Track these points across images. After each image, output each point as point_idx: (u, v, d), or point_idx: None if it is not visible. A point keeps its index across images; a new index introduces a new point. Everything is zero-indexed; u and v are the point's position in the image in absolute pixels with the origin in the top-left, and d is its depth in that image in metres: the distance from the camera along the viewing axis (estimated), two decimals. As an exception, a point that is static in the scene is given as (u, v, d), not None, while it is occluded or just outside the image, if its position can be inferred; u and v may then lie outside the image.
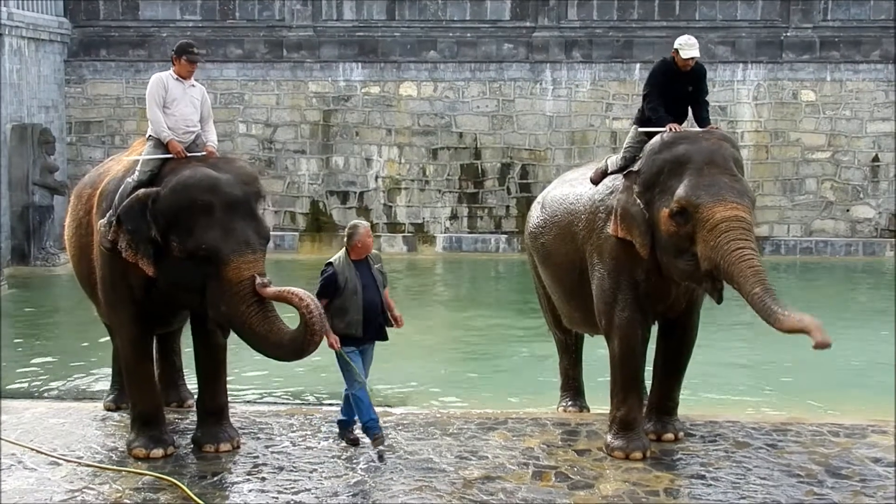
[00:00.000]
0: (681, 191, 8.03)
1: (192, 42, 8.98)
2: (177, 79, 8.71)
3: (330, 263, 8.43)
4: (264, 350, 8.04)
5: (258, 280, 7.86)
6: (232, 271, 7.89)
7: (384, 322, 8.49)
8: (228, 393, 8.97)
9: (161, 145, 8.48)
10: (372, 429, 8.39)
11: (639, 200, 8.32)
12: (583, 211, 8.94)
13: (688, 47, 8.76)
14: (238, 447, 8.54)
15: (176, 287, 8.11)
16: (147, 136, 8.68)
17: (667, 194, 8.15)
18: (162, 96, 8.58)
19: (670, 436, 8.73)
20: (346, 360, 8.28)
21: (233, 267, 7.89)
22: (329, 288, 8.32)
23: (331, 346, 8.17)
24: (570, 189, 9.42)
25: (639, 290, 8.48)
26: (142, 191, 8.14)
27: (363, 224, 8.55)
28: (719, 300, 8.14)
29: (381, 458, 8.26)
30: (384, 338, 8.58)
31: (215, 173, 8.15)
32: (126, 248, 8.09)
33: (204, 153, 8.47)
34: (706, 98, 9.02)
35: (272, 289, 7.89)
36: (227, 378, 8.95)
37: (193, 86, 8.83)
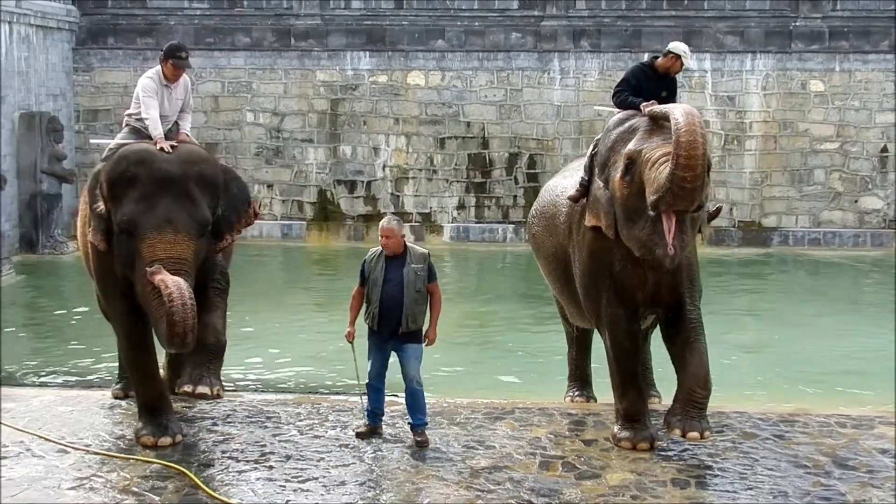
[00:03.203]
0: (627, 148, 8.02)
1: (182, 46, 8.87)
2: (164, 84, 8.71)
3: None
4: (157, 336, 7.84)
5: (150, 268, 7.57)
6: (147, 248, 7.76)
7: (409, 322, 8.29)
8: (236, 381, 8.93)
9: (136, 132, 8.59)
10: (368, 417, 8.58)
11: (600, 182, 8.32)
12: (564, 203, 8.92)
13: (688, 56, 8.79)
14: (219, 396, 8.21)
15: (121, 265, 8.06)
16: (124, 122, 8.81)
17: (618, 162, 8.11)
18: (157, 98, 8.59)
19: (695, 434, 8.00)
20: (354, 353, 8.48)
21: (148, 244, 7.76)
22: (360, 275, 8.42)
23: (346, 335, 8.45)
24: (561, 180, 9.43)
25: (618, 284, 8.36)
26: (96, 167, 8.32)
27: (386, 223, 8.34)
28: (667, 256, 7.73)
29: (358, 435, 8.51)
30: (403, 339, 8.33)
31: (152, 149, 8.15)
32: (88, 225, 8.25)
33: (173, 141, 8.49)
34: None
35: (158, 275, 7.53)
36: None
37: (179, 85, 8.82)
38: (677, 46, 8.82)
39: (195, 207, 7.96)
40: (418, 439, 8.38)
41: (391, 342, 8.37)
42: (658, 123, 8.07)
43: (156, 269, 7.55)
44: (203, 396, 8.03)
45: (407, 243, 8.37)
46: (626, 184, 7.95)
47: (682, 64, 8.76)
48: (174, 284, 7.41)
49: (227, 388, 10.45)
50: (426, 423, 8.48)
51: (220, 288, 8.43)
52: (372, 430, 8.54)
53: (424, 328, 8.45)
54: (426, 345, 8.46)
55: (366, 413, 8.61)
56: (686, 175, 7.37)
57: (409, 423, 8.49)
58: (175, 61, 8.67)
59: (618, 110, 8.66)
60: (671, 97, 8.82)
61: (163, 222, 7.80)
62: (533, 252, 9.99)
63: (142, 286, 7.78)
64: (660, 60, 8.85)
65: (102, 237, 8.14)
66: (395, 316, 8.27)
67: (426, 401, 8.54)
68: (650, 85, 8.73)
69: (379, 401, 8.55)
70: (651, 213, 7.69)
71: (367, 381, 8.48)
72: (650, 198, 7.65)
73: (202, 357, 8.06)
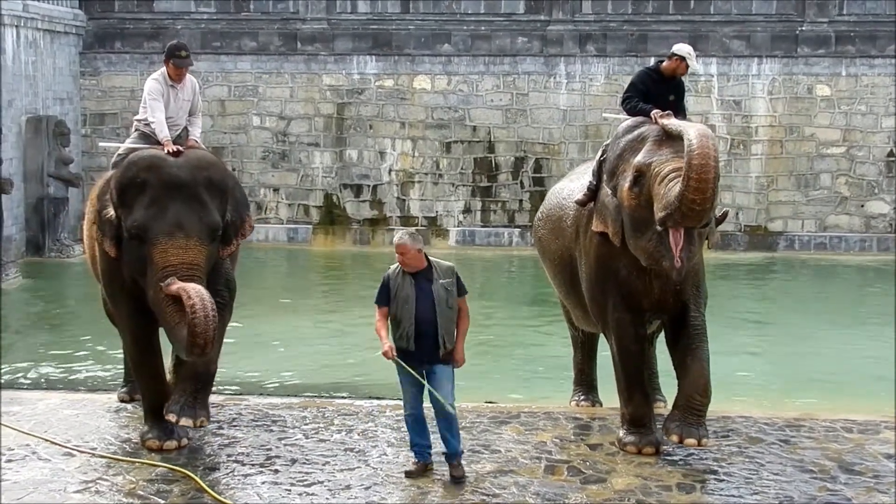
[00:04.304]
0: (636, 159, 8.00)
1: (182, 45, 8.83)
2: (170, 84, 8.71)
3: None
4: (171, 342, 7.86)
5: (164, 282, 7.57)
6: (158, 254, 7.74)
7: (447, 342, 7.67)
8: (241, 384, 8.94)
9: (145, 137, 8.60)
10: (416, 454, 7.90)
11: (608, 189, 8.32)
12: (571, 207, 8.91)
13: (692, 58, 8.77)
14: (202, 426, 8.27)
15: (131, 270, 8.05)
16: (134, 127, 8.83)
17: (627, 171, 8.09)
18: (162, 99, 8.60)
19: (693, 441, 8.02)
20: (404, 368, 7.61)
21: (159, 249, 7.74)
22: (381, 294, 7.70)
23: (384, 353, 7.59)
24: (567, 183, 9.42)
25: (624, 290, 8.35)
26: (109, 173, 8.35)
27: (398, 238, 7.64)
28: (672, 269, 7.75)
29: (408, 475, 7.81)
30: (439, 360, 7.68)
31: (162, 154, 8.14)
32: (98, 230, 8.25)
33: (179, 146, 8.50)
34: (685, 112, 8.97)
35: (175, 285, 7.53)
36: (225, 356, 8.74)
37: (185, 86, 8.82)
38: (681, 48, 8.80)
39: (206, 212, 7.95)
40: (455, 474, 7.74)
41: (424, 365, 7.71)
42: (668, 133, 8.05)
43: (171, 282, 7.56)
44: (186, 427, 8.18)
45: (430, 258, 7.76)
46: (635, 195, 7.94)
47: (687, 66, 8.74)
48: (197, 295, 7.39)
49: (232, 392, 10.50)
50: (462, 452, 7.87)
51: (223, 302, 8.33)
52: (424, 468, 7.85)
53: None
54: (456, 367, 7.78)
55: (415, 451, 7.91)
56: (696, 198, 7.37)
57: (443, 454, 7.86)
58: (176, 61, 8.67)
59: (627, 116, 8.67)
60: (679, 101, 8.81)
61: (174, 227, 7.79)
62: (539, 255, 9.98)
63: (154, 292, 7.77)
64: (665, 64, 8.83)
65: (112, 243, 8.14)
66: (431, 337, 7.63)
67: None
68: (657, 89, 8.72)
69: (425, 430, 7.88)
70: (658, 227, 7.70)
71: (406, 412, 7.85)
72: (658, 214, 7.64)
73: (191, 385, 8.17)
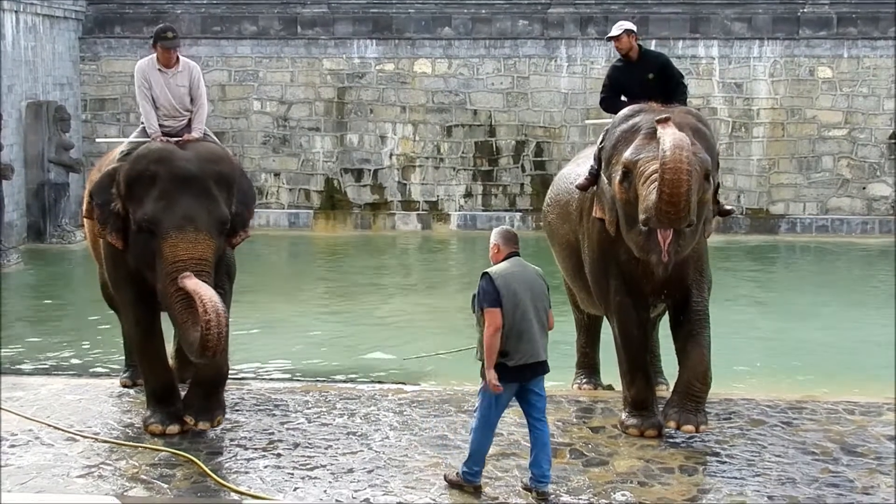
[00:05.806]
0: (625, 153, 7.99)
1: (169, 27, 8.76)
2: (159, 68, 8.67)
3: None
4: (180, 340, 7.87)
5: (179, 276, 7.55)
6: (168, 247, 7.72)
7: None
8: (243, 369, 8.94)
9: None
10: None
11: (604, 177, 8.31)
12: (576, 191, 8.92)
13: (614, 28, 8.98)
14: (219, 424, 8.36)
15: (138, 262, 8.05)
16: (140, 120, 8.85)
17: (619, 164, 8.10)
18: (146, 88, 8.60)
19: (690, 427, 8.03)
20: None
21: (170, 243, 7.72)
22: None
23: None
24: (574, 167, 9.42)
25: (626, 274, 8.37)
26: (111, 166, 8.29)
27: (494, 232, 7.57)
28: (659, 264, 7.78)
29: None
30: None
31: (171, 147, 8.14)
32: (97, 222, 8.20)
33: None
34: (681, 84, 8.96)
35: (191, 283, 7.48)
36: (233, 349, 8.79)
37: (180, 71, 8.76)
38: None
39: (215, 206, 7.95)
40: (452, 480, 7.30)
41: None
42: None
43: (186, 275, 7.55)
44: (204, 430, 8.26)
45: (502, 262, 7.55)
46: (624, 189, 7.96)
47: (626, 39, 8.88)
48: (210, 302, 7.34)
49: (235, 377, 10.50)
50: (466, 475, 7.22)
51: (224, 291, 8.31)
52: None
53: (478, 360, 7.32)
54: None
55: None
56: (669, 209, 7.40)
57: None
58: (163, 42, 8.62)
59: (608, 119, 8.74)
60: (662, 79, 8.88)
61: (184, 221, 7.78)
62: (548, 239, 9.99)
63: (164, 287, 7.77)
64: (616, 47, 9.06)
65: (118, 235, 8.13)
66: None
67: (436, 388, 8.15)
68: (626, 76, 8.90)
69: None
70: (643, 227, 7.70)
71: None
72: (640, 215, 7.68)
73: (204, 389, 8.25)
